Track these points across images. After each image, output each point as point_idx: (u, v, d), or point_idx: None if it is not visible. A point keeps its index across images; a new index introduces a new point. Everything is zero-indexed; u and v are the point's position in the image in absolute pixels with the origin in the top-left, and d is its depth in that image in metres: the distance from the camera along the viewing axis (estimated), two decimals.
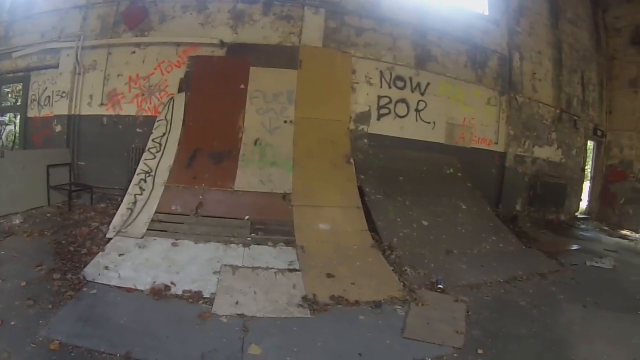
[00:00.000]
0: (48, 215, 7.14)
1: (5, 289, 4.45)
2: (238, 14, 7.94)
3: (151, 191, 6.55)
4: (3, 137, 10.37)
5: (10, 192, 6.98)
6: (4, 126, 10.36)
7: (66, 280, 4.67)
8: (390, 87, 8.18)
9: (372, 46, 8.17)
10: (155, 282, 4.65)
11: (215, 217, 6.32)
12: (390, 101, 8.15)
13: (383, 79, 8.14)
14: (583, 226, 10.47)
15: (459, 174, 8.22)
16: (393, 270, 5.41)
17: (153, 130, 7.27)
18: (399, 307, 4.56)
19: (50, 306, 4.10)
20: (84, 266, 4.97)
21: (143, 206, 6.35)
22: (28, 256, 5.36)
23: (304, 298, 4.53)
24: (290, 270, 5.16)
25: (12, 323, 3.79)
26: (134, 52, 8.01)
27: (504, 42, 9.50)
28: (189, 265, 5.12)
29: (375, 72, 8.10)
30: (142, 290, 4.52)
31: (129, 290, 4.53)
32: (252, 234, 6.02)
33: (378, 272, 5.31)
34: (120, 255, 5.29)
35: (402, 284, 5.05)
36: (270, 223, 6.26)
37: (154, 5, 8.08)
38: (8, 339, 3.55)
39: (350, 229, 6.28)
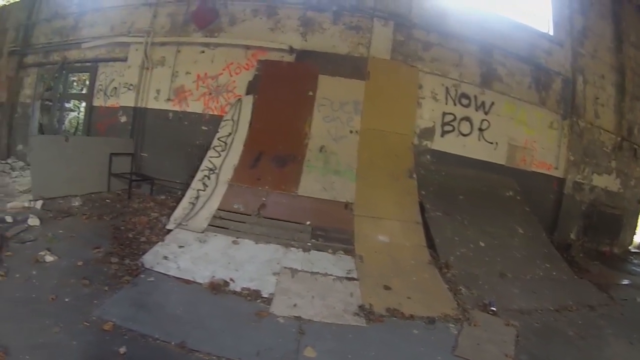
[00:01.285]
0: (107, 201, 7.39)
1: (61, 266, 4.63)
2: (307, 22, 8.00)
3: (214, 188, 6.67)
4: (66, 122, 10.67)
5: (71, 175, 7.29)
6: (67, 112, 10.65)
7: (124, 265, 4.81)
8: (455, 104, 8.08)
9: (439, 62, 8.09)
10: (214, 276, 4.72)
11: (277, 219, 6.39)
12: (455, 118, 8.04)
13: (448, 96, 8.04)
14: (636, 261, 10.10)
15: (518, 198, 8.06)
16: (448, 288, 5.37)
17: (219, 129, 7.40)
18: (452, 325, 4.54)
19: (106, 288, 4.22)
20: (143, 254, 5.12)
21: (205, 202, 6.49)
22: (85, 238, 5.55)
23: (361, 307, 4.54)
24: (348, 279, 5.17)
25: (66, 300, 3.92)
26: (203, 52, 8.18)
27: (568, 64, 9.24)
28: (248, 263, 5.20)
29: (441, 88, 8.01)
30: (200, 283, 4.60)
31: (187, 282, 4.62)
32: (312, 240, 6.07)
33: (433, 288, 5.29)
34: (180, 247, 5.42)
35: (456, 302, 5.01)
36: (330, 230, 6.29)
37: (224, 7, 8.24)
38: (60, 315, 3.64)
39: (409, 244, 6.26)
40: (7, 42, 11.61)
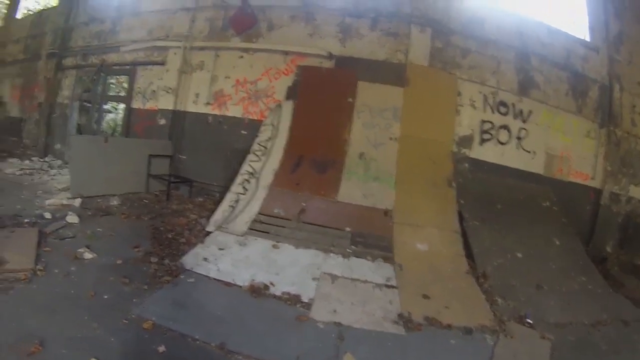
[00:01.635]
0: (145, 201, 7.53)
1: (100, 264, 4.73)
2: (346, 28, 8.05)
3: (254, 192, 6.75)
4: (104, 123, 10.89)
5: (109, 175, 7.46)
6: (105, 114, 10.85)
7: (163, 265, 4.88)
8: (493, 112, 8.00)
9: (477, 69, 8.05)
10: (254, 279, 4.76)
11: (317, 224, 6.42)
12: (493, 127, 7.97)
13: (487, 104, 7.98)
14: None
15: (555, 208, 7.95)
16: (485, 298, 5.33)
17: (258, 134, 7.47)
18: (489, 336, 4.52)
19: (145, 287, 4.28)
20: (183, 255, 5.18)
21: (246, 205, 6.56)
22: (124, 237, 5.66)
23: (400, 315, 4.55)
24: (388, 286, 5.18)
25: (105, 297, 3.99)
26: (242, 57, 8.28)
27: (604, 71, 9.10)
28: (289, 268, 5.23)
29: (479, 96, 7.96)
30: (240, 286, 4.64)
31: (227, 284, 4.66)
32: (352, 246, 6.08)
33: (471, 298, 5.26)
34: (220, 249, 5.48)
35: (492, 313, 4.98)
36: (370, 237, 6.29)
37: (262, 13, 8.32)
38: (99, 311, 3.71)
39: (447, 252, 6.23)
40: (45, 45, 11.94)
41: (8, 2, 16.33)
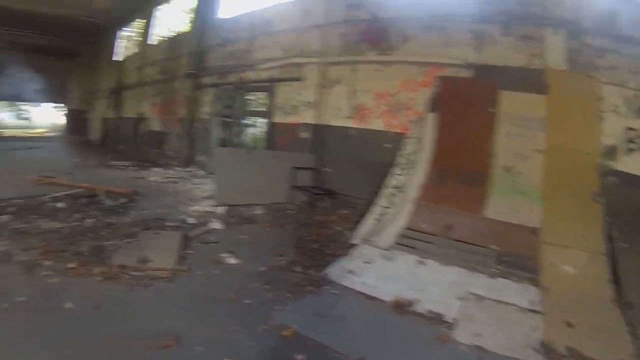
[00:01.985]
0: (288, 211, 7.89)
1: (243, 270, 4.96)
2: (478, 35, 8.08)
3: (400, 206, 6.84)
4: (245, 137, 11.91)
5: (252, 185, 8.00)
6: (245, 128, 11.87)
7: (307, 275, 4.98)
8: (637, 118, 7.48)
9: (615, 70, 7.67)
10: (398, 295, 4.70)
11: (462, 241, 6.26)
12: (639, 135, 7.45)
13: (629, 108, 7.54)
14: None
15: None
16: (628, 331, 4.80)
17: (402, 147, 7.72)
18: None
19: (288, 295, 4.38)
20: (327, 265, 5.28)
21: (391, 219, 6.65)
22: (267, 245, 5.93)
23: (542, 343, 4.29)
24: (532, 311, 4.89)
25: (246, 302, 4.14)
26: (379, 70, 8.56)
27: None
28: (433, 285, 5.10)
29: (621, 100, 7.55)
30: (383, 301, 4.60)
31: (370, 298, 4.64)
32: (498, 266, 5.85)
33: (613, 329, 4.82)
34: (365, 262, 5.54)
35: (633, 348, 4.49)
36: (516, 256, 6.03)
37: (392, 25, 8.51)
38: (239, 315, 3.86)
39: (592, 275, 5.82)
40: (182, 66, 13.40)
41: (142, 31, 18.30)
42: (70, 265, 4.72)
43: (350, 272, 5.18)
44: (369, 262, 5.56)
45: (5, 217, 6.47)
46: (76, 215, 6.74)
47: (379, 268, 5.43)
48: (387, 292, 4.77)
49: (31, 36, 24.55)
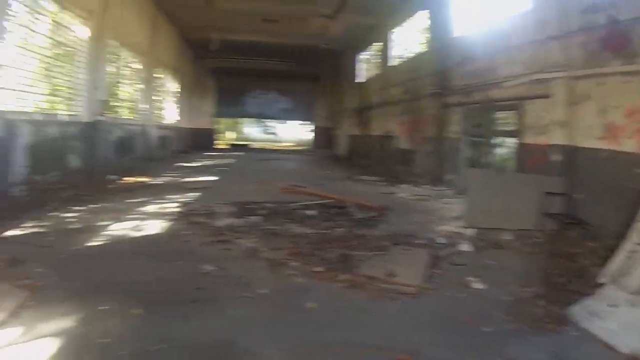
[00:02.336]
0: (536, 239, 7.40)
1: (487, 296, 4.83)
2: None
3: None
4: (493, 157, 11.67)
5: (501, 209, 7.73)
6: (494, 148, 11.65)
7: (549, 310, 4.69)
8: None
9: None
10: (636, 349, 4.07)
11: None
12: None
13: None
14: None
15: None
16: None
17: None
18: None
19: (527, 328, 4.17)
20: (570, 304, 4.91)
21: None
22: (514, 273, 5.69)
23: None
24: None
25: (484, 329, 4.00)
26: (626, 82, 7.16)
27: None
28: None
29: None
30: (619, 352, 4.07)
31: (608, 347, 4.15)
32: None
33: None
34: (610, 306, 4.92)
35: None
36: None
37: (636, 27, 6.97)
38: (477, 342, 3.76)
39: None
40: (425, 86, 14.15)
41: (380, 53, 19.97)
42: (317, 269, 5.03)
43: (594, 314, 4.85)
44: (614, 306, 5.00)
45: (257, 218, 7.30)
46: (326, 224, 7.26)
47: (624, 314, 4.86)
48: (625, 342, 4.32)
49: (277, 63, 29.83)
